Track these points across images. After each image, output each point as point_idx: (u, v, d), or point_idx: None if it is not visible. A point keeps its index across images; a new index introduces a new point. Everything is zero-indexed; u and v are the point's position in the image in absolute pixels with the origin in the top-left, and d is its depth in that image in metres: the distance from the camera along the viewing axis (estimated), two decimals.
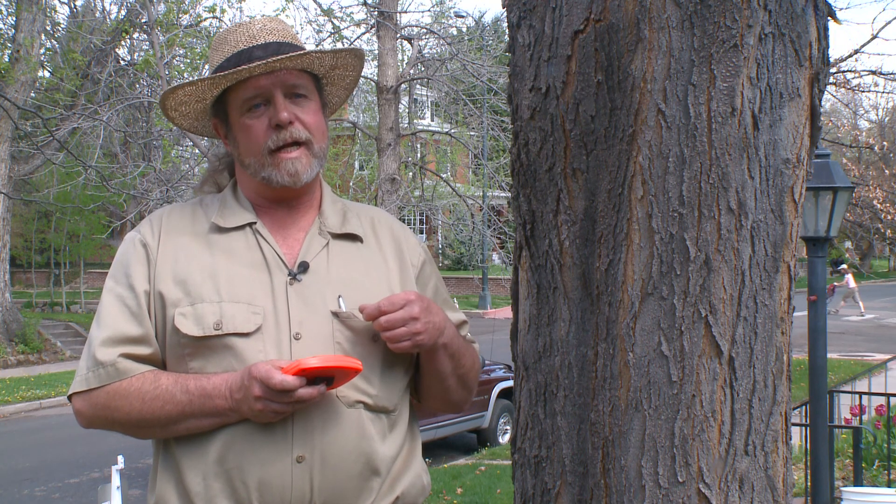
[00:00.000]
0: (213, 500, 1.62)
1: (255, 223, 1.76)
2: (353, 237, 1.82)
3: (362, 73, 2.09)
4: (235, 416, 1.62)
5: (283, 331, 1.67)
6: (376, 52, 11.86)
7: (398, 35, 11.85)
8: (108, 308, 1.71)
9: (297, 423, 1.63)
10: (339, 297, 1.71)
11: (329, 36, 13.02)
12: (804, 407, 6.39)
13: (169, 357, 1.69)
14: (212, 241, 1.74)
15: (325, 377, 1.59)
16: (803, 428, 6.15)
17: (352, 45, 2.04)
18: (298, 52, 1.73)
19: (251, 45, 1.73)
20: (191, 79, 2.04)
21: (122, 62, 19.46)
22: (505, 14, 1.79)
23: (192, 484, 1.64)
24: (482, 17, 24.51)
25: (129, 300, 1.70)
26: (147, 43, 18.45)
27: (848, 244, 42.66)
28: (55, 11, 21.37)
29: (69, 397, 1.72)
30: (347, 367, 1.59)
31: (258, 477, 1.62)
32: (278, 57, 1.69)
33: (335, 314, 1.70)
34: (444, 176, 15.90)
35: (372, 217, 1.90)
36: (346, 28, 13.36)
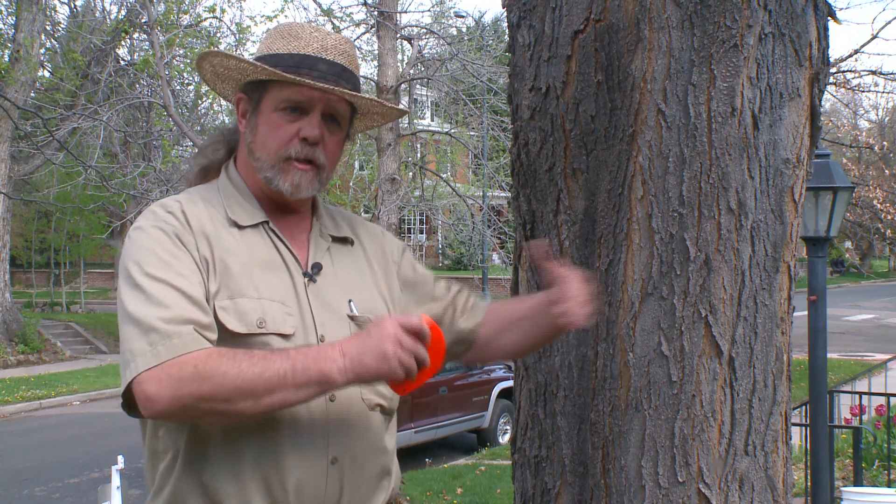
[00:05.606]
0: (250, 501, 1.59)
1: (268, 222, 1.75)
2: (345, 240, 1.83)
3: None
4: (342, 379, 1.49)
5: (311, 333, 1.65)
6: (376, 52, 11.84)
7: (398, 35, 11.84)
8: (162, 294, 1.54)
9: (332, 425, 1.63)
10: (350, 300, 1.72)
11: None
12: (804, 407, 6.38)
13: None
14: (235, 235, 1.69)
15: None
16: (803, 428, 6.15)
17: (401, 108, 2.05)
18: (366, 97, 1.73)
19: (320, 56, 1.71)
20: (247, 56, 1.97)
21: (122, 62, 19.45)
22: (505, 14, 1.79)
23: (222, 483, 1.59)
24: (482, 17, 24.49)
25: (188, 289, 1.56)
26: (147, 43, 18.44)
27: (848, 244, 42.61)
28: (55, 11, 21.37)
29: (129, 385, 1.50)
30: (440, 358, 1.55)
31: (297, 478, 1.60)
32: (344, 90, 1.68)
33: (351, 318, 1.71)
34: (444, 176, 15.89)
35: (350, 220, 1.91)
36: (346, 28, 13.35)
